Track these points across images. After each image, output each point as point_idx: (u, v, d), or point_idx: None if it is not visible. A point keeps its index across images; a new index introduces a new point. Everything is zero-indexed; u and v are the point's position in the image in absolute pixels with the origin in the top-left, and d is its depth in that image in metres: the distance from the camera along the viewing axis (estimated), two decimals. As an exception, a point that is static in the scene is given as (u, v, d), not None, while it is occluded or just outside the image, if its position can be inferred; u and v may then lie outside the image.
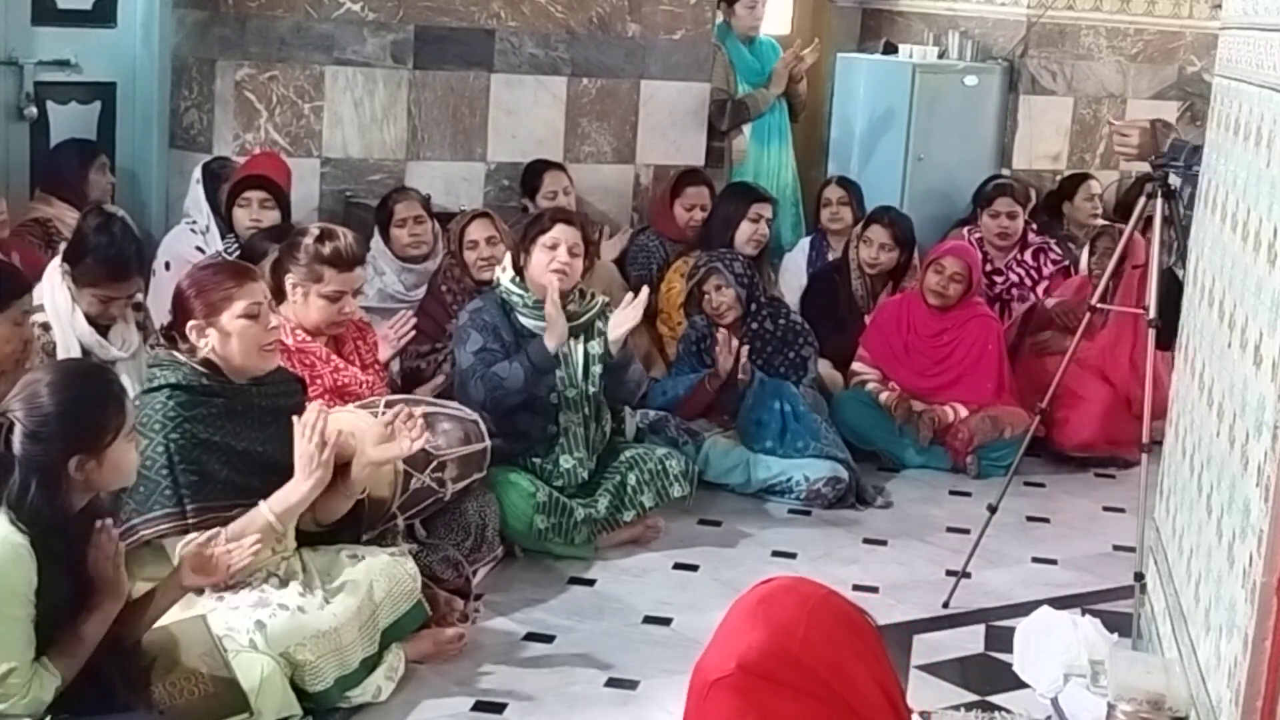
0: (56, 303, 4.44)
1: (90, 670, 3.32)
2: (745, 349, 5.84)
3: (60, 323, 4.41)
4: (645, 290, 5.20)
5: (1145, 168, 4.76)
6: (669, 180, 7.03)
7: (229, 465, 3.82)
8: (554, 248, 5.04)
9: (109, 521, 3.33)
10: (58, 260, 4.54)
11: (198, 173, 6.02)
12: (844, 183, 7.35)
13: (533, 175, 6.72)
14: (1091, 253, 6.73)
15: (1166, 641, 3.88)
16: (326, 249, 4.61)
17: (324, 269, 4.61)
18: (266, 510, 3.79)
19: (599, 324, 5.14)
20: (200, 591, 3.70)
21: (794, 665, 2.15)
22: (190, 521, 3.73)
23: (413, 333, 5.26)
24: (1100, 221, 7.67)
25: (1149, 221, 4.60)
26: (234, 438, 3.85)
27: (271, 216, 5.69)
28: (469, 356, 5.03)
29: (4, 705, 3.12)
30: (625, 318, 5.06)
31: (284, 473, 3.87)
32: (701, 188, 6.90)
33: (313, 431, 3.80)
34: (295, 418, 3.84)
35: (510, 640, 4.37)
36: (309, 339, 4.67)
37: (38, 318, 4.34)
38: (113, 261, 4.49)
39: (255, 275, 4.06)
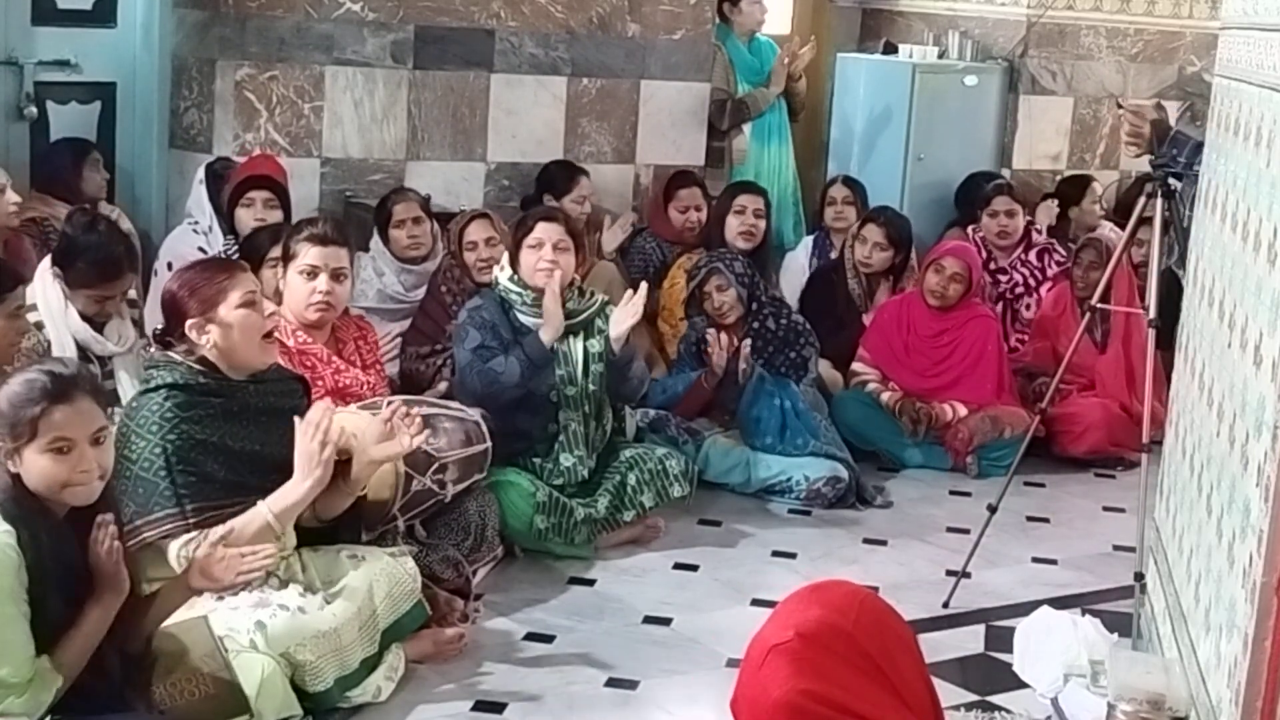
0: (49, 301, 4.44)
1: (92, 670, 3.32)
2: (748, 342, 5.85)
3: (54, 321, 4.42)
4: (644, 286, 5.21)
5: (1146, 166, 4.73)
6: (661, 184, 7.02)
7: (226, 465, 3.82)
8: (538, 246, 5.06)
9: (109, 517, 3.35)
10: (48, 260, 4.55)
11: (200, 173, 6.01)
12: (849, 182, 7.36)
13: (565, 178, 6.65)
14: (1076, 264, 6.72)
15: (1166, 641, 3.88)
16: (303, 227, 4.74)
17: (298, 245, 4.67)
18: (265, 510, 3.79)
19: (599, 322, 5.15)
20: (200, 592, 3.71)
21: (847, 641, 2.23)
22: (190, 521, 3.74)
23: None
24: (1103, 223, 7.67)
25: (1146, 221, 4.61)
26: (230, 438, 3.85)
27: (275, 216, 5.69)
28: (467, 354, 5.04)
29: (2, 705, 3.12)
30: (625, 315, 5.07)
31: (283, 472, 3.87)
32: (693, 189, 6.90)
33: (315, 430, 3.81)
34: (297, 417, 3.85)
35: (510, 640, 4.37)
36: (309, 340, 4.68)
37: (31, 317, 4.34)
38: (103, 263, 4.51)
39: (244, 267, 4.13)
